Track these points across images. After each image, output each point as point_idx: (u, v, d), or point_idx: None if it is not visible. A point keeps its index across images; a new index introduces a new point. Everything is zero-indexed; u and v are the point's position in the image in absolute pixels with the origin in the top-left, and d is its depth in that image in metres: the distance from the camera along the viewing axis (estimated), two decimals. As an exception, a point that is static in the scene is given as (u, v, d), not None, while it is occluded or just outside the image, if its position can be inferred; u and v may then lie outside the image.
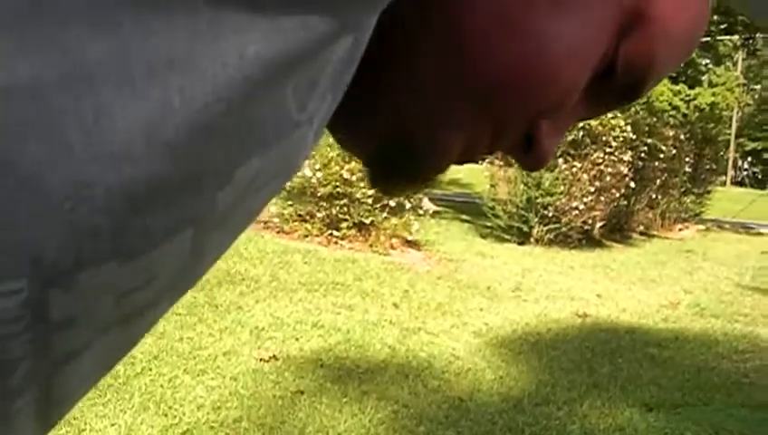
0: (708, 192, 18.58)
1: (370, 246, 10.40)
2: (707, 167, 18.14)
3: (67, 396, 0.38)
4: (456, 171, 18.83)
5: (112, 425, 4.68)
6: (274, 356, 6.04)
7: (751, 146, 61.63)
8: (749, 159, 67.09)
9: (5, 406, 0.34)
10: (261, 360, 5.95)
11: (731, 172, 55.04)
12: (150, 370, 5.54)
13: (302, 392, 5.44)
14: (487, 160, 13.58)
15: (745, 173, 67.60)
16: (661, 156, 15.61)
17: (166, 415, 4.89)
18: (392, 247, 10.55)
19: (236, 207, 0.41)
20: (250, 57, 0.36)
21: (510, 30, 0.50)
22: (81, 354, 0.36)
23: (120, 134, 0.32)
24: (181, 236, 0.37)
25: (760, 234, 19.70)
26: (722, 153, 18.74)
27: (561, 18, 0.51)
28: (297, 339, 6.51)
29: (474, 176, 17.21)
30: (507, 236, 13.07)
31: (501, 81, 0.51)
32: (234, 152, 0.38)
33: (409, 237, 10.88)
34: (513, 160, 0.61)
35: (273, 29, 0.36)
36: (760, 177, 65.23)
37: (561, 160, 12.97)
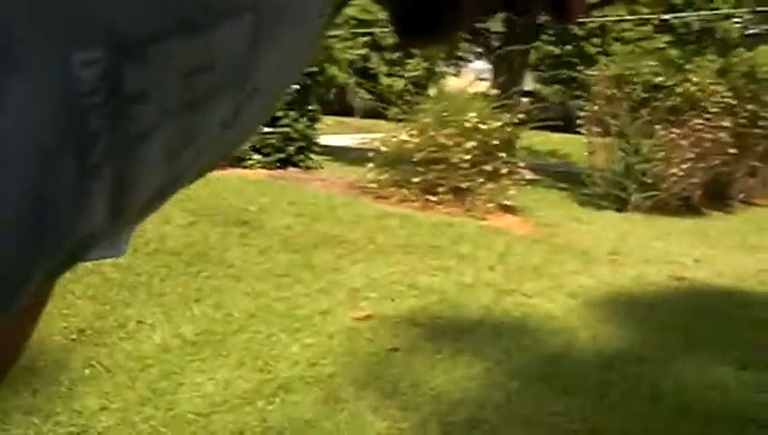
0: (813, 160, 18.10)
1: (467, 210, 10.43)
2: (812, 135, 17.67)
3: (138, 183, 0.39)
4: (553, 143, 18.65)
5: (210, 379, 4.81)
6: (370, 315, 6.12)
7: None
8: None
9: (85, 185, 0.35)
10: (356, 319, 6.03)
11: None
12: (248, 328, 5.66)
13: (397, 350, 5.51)
14: (584, 129, 13.48)
15: None
16: (763, 123, 15.26)
17: (261, 371, 5.00)
18: (488, 212, 10.55)
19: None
20: None
21: None
22: (152, 136, 0.37)
23: None
24: (241, 19, 0.38)
25: None
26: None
27: None
28: (393, 299, 6.58)
29: (571, 146, 17.04)
30: (605, 204, 12.94)
31: None
32: None
33: (506, 203, 10.88)
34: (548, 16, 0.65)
35: None
36: None
37: (659, 127, 12.80)
